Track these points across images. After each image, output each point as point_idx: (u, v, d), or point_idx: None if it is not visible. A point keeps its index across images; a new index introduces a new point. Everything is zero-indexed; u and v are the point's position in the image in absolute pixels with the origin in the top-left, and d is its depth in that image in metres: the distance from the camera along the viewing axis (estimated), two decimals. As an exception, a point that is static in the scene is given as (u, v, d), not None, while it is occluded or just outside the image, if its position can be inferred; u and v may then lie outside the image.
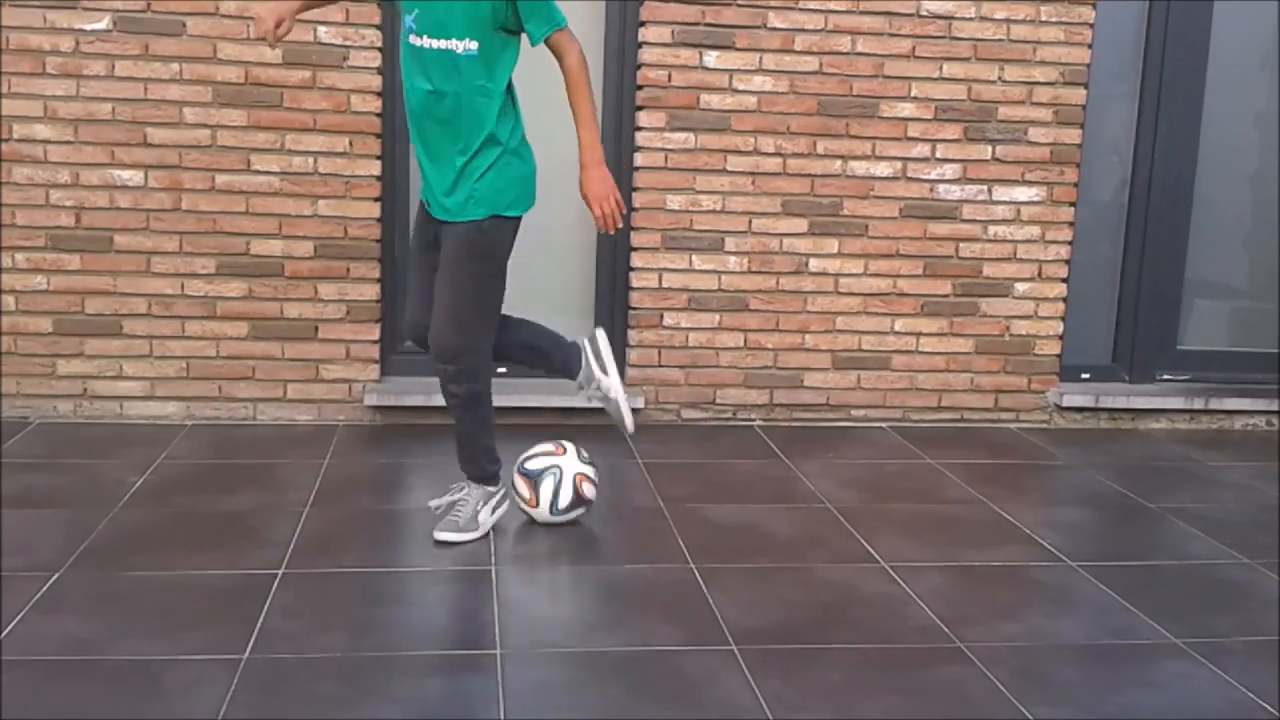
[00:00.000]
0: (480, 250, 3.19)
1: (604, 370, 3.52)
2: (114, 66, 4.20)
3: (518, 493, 3.48)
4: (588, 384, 3.54)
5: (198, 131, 4.26)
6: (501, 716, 2.41)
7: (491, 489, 3.43)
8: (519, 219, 3.27)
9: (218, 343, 4.39)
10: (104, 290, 4.31)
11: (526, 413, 4.46)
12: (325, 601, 2.94)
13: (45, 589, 2.92)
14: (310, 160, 4.32)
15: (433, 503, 3.49)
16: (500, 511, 3.46)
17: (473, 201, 3.16)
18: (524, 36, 3.15)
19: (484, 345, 3.27)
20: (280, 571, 3.09)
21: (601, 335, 3.60)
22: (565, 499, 3.44)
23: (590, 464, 3.52)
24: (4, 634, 2.67)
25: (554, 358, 3.50)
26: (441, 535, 3.34)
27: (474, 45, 3.06)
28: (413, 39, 3.12)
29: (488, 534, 3.39)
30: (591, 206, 3.24)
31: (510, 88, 3.20)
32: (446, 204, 3.20)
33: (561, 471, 3.45)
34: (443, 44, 3.06)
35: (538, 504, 3.45)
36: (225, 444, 4.19)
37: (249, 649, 2.65)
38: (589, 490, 3.49)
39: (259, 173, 4.31)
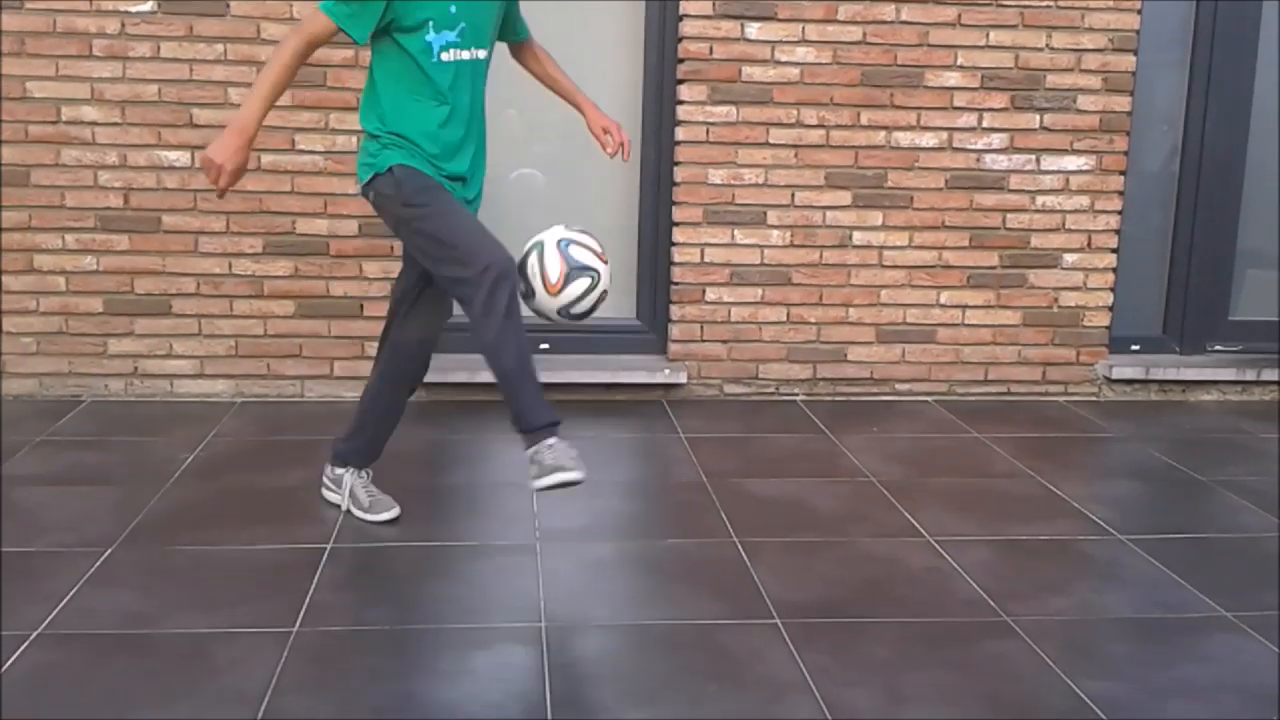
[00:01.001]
0: None
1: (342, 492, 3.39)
2: (159, 48, 4.24)
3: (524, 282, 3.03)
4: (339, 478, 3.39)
5: (242, 111, 4.29)
6: (547, 689, 2.43)
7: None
8: None
9: (265, 321, 4.43)
10: (153, 270, 4.37)
11: (566, 388, 4.48)
12: (373, 576, 2.98)
13: (98, 564, 2.97)
14: (353, 139, 4.34)
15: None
16: None
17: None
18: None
19: None
20: (329, 546, 3.13)
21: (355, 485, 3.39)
22: (554, 271, 2.99)
23: (584, 231, 3.09)
24: (59, 608, 2.72)
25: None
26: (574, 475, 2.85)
27: (486, 53, 3.11)
28: (458, 54, 2.99)
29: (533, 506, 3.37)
30: (619, 133, 3.26)
31: None
32: (472, 196, 3.16)
33: (543, 245, 3.04)
34: (480, 54, 3.06)
35: (533, 292, 3.02)
36: (274, 421, 4.24)
37: (299, 622, 2.69)
38: (584, 256, 3.02)
39: (304, 152, 4.34)
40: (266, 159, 4.33)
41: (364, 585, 2.91)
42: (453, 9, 3.00)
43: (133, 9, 4.21)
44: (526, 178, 4.71)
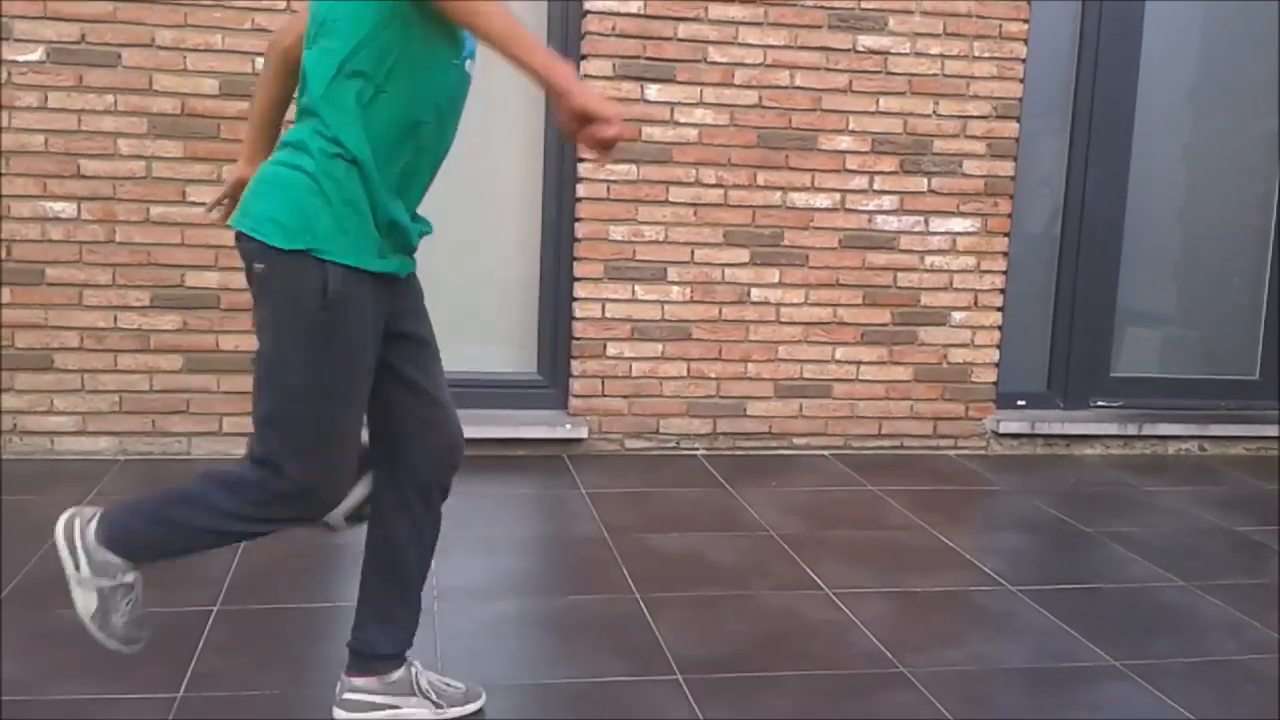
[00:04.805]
0: None
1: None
2: (47, 98, 4.13)
3: None
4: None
5: (132, 163, 4.20)
6: (445, 752, 2.37)
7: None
8: None
9: (151, 376, 4.31)
10: (35, 324, 4.22)
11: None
12: (261, 639, 2.89)
13: (-29, 630, 2.84)
14: (248, 191, 4.27)
15: None
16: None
17: None
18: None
19: None
20: (215, 608, 3.03)
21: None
22: None
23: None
24: (-73, 677, 2.59)
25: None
26: None
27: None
28: (468, 65, 2.27)
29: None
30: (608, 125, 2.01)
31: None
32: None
33: None
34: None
35: None
36: (159, 479, 4.10)
37: (184, 688, 2.59)
38: None
39: (195, 204, 4.26)
40: (156, 210, 4.24)
41: (253, 649, 2.82)
42: None
43: (20, 58, 4.10)
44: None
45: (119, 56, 4.16)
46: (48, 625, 2.89)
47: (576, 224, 4.57)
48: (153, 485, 4.00)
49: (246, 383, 4.32)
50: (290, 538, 3.57)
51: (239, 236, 2.21)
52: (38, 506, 3.74)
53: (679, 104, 4.54)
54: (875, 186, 4.75)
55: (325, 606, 3.10)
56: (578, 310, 4.60)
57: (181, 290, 4.29)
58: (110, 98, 4.17)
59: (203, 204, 4.26)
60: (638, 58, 4.49)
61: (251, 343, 4.49)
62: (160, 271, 4.27)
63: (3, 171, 4.14)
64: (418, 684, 2.47)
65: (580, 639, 2.97)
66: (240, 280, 4.30)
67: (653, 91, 4.52)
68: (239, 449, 4.38)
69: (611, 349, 4.63)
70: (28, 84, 4.12)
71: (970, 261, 4.86)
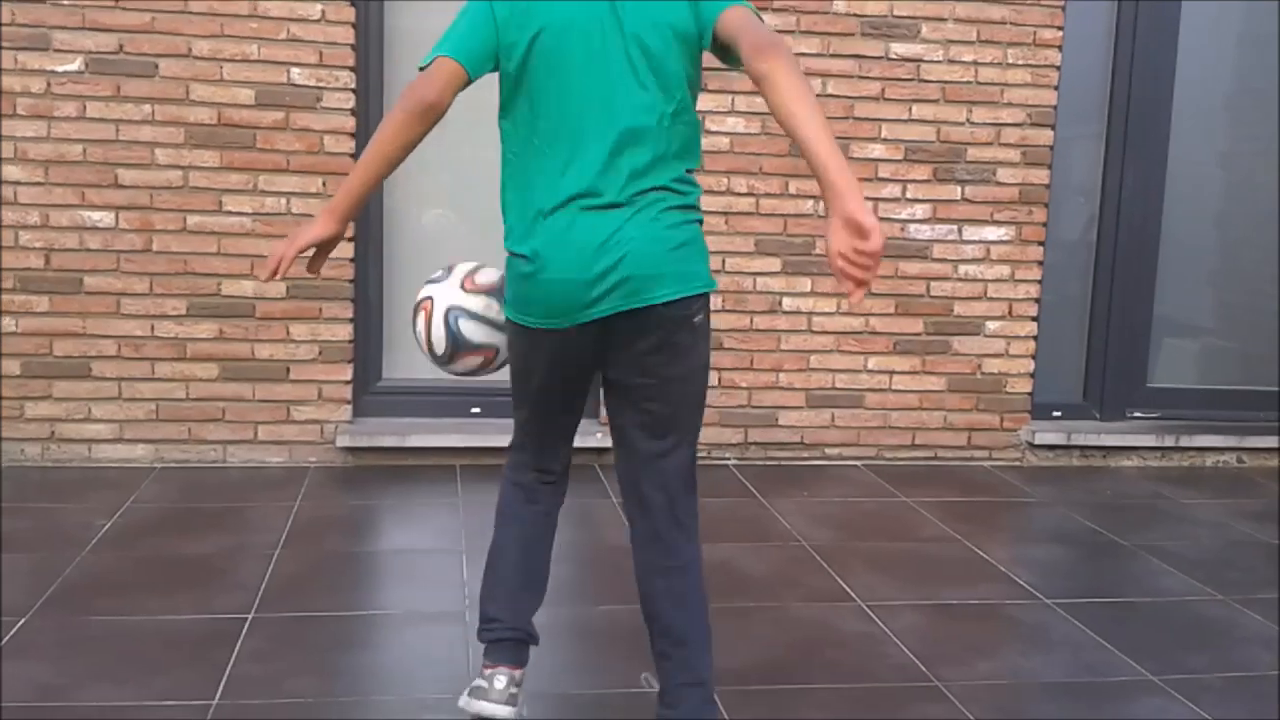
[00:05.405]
0: None
1: None
2: (85, 108, 4.19)
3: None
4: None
5: (169, 172, 4.25)
6: (476, 761, 2.37)
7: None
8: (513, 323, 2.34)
9: (187, 384, 4.35)
10: (73, 332, 4.27)
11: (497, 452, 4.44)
12: (296, 646, 2.90)
13: (11, 634, 2.86)
14: (283, 201, 4.31)
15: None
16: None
17: None
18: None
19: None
20: (250, 616, 3.05)
21: None
22: (440, 343, 2.36)
23: (480, 294, 2.38)
24: (-34, 682, 2.62)
25: None
26: None
27: None
28: None
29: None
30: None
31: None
32: None
33: (433, 303, 2.38)
34: None
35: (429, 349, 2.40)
36: (194, 487, 4.14)
37: (219, 694, 2.61)
38: (472, 331, 2.36)
39: (231, 213, 4.30)
40: (193, 220, 4.28)
41: (286, 656, 2.84)
42: None
43: (59, 68, 4.16)
44: (443, 219, 4.70)
45: (156, 67, 4.21)
46: (83, 631, 2.92)
47: (608, 233, 4.57)
48: (188, 493, 4.04)
49: (280, 390, 4.39)
50: (320, 546, 3.60)
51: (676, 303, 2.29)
52: (75, 513, 3.78)
53: (710, 112, 4.54)
54: (908, 195, 4.73)
55: (360, 614, 3.12)
56: (609, 319, 4.60)
57: (217, 299, 4.33)
58: (148, 107, 4.22)
59: (239, 213, 4.30)
60: (670, 67, 4.49)
61: (284, 350, 4.55)
62: (197, 280, 4.31)
63: (43, 181, 4.20)
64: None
65: (611, 648, 2.96)
66: (275, 289, 4.36)
67: (685, 100, 4.52)
68: (274, 457, 4.41)
69: (643, 358, 4.62)
70: (66, 94, 4.17)
71: (1004, 270, 4.83)
